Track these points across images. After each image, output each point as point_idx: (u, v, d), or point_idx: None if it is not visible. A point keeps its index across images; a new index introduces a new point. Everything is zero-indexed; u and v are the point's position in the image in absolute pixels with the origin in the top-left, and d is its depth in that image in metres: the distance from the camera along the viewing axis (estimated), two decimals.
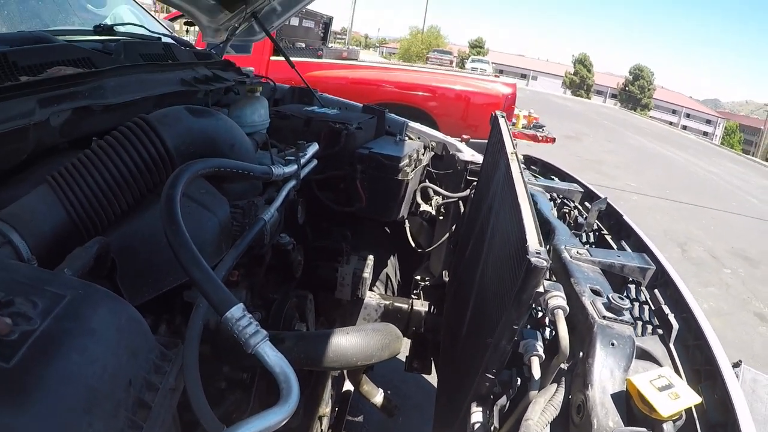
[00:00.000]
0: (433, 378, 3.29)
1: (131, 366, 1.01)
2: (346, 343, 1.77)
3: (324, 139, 2.84)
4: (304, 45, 10.36)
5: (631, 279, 1.60)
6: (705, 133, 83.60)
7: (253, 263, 2.00)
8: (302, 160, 2.32)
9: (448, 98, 8.17)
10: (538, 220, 1.48)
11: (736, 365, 4.56)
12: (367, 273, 2.78)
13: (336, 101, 3.87)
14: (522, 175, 1.62)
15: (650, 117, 67.74)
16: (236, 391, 1.66)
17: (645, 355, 1.28)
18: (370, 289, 3.00)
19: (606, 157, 17.90)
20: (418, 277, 3.40)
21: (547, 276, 1.69)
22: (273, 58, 7.94)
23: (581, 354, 1.21)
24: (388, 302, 2.95)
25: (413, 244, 3.40)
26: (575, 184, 2.51)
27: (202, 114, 1.85)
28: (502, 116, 2.78)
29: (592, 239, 2.13)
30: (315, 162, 2.55)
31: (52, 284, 0.99)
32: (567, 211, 2.27)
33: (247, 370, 1.66)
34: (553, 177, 2.83)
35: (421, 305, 2.96)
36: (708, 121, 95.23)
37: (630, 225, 2.06)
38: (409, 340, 3.10)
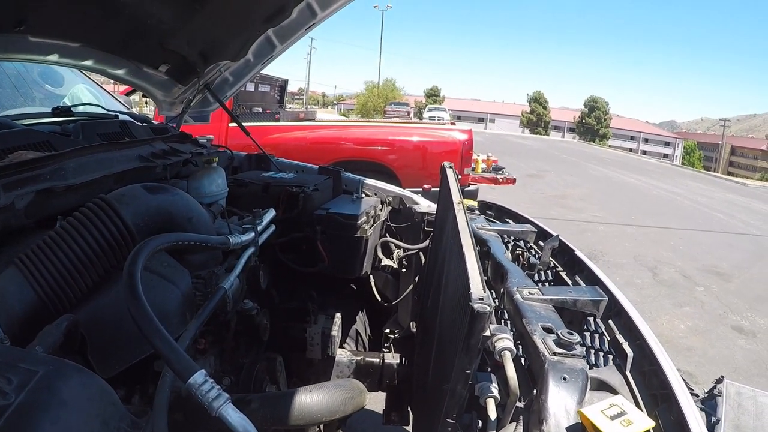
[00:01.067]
0: (411, 428, 3.30)
1: None
2: (310, 400, 1.79)
3: (282, 204, 2.88)
4: (261, 109, 10.44)
5: (587, 312, 1.63)
6: (665, 155, 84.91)
7: (219, 330, 2.02)
8: (259, 227, 2.35)
9: (406, 150, 8.26)
10: (491, 264, 1.52)
11: (718, 381, 4.61)
12: (336, 331, 2.78)
13: (292, 165, 3.92)
14: (468, 224, 1.67)
15: (609, 146, 68.84)
16: None
17: (602, 386, 1.31)
18: (341, 346, 3.00)
19: (569, 191, 18.13)
20: (388, 330, 3.41)
21: (504, 317, 1.74)
22: (232, 124, 7.98)
23: (535, 391, 1.23)
24: (359, 358, 2.95)
25: (379, 298, 3.42)
26: (528, 225, 2.56)
27: (159, 191, 1.89)
28: (450, 167, 2.84)
29: (549, 277, 2.17)
30: (273, 227, 2.58)
31: (25, 361, 1.04)
32: (520, 252, 2.31)
33: None
34: (507, 220, 2.88)
35: (392, 358, 2.96)
36: (666, 143, 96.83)
37: (582, 259, 2.11)
38: (384, 393, 3.10)
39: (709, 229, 14.60)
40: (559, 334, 1.30)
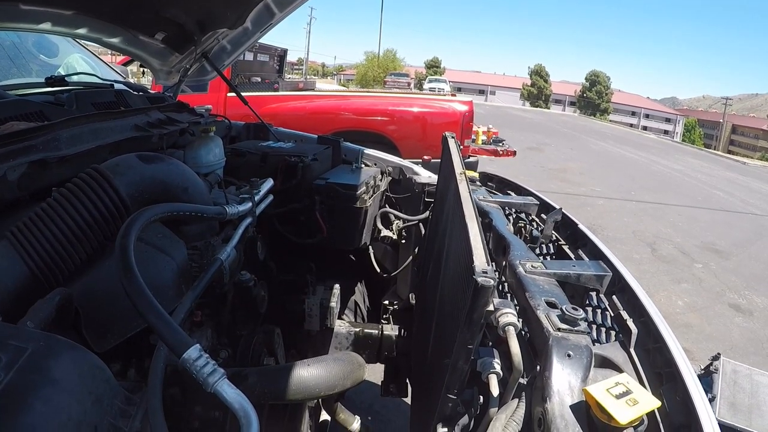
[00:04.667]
0: (410, 399, 3.30)
1: (96, 412, 1.04)
2: (308, 374, 1.77)
3: (281, 174, 2.84)
4: (259, 79, 10.36)
5: (590, 287, 1.60)
6: (666, 132, 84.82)
7: (216, 302, 1.98)
8: (257, 197, 2.31)
9: (406, 120, 8.20)
10: (493, 236, 1.48)
11: (715, 359, 4.61)
12: (334, 302, 2.76)
13: (291, 134, 3.88)
14: (471, 195, 1.63)
15: (610, 121, 68.62)
16: (210, 429, 1.65)
17: (606, 363, 1.29)
18: (339, 318, 2.99)
19: (569, 165, 18.09)
20: (387, 302, 3.40)
21: (505, 290, 1.70)
22: (230, 94, 7.92)
23: (539, 367, 1.21)
24: (357, 329, 2.94)
25: (378, 270, 3.40)
26: (531, 198, 2.53)
27: (154, 160, 1.84)
28: (452, 137, 2.80)
29: (551, 251, 2.14)
30: (271, 197, 2.54)
31: (15, 338, 1.02)
32: (522, 225, 2.27)
33: (219, 408, 1.65)
34: (509, 192, 2.85)
35: (391, 329, 2.95)
36: (667, 120, 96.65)
37: (585, 233, 2.08)
38: (383, 365, 3.09)
39: (709, 207, 14.60)
40: (564, 310, 1.27)
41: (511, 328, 1.18)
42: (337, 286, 2.87)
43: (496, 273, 1.75)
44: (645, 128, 78.78)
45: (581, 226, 2.15)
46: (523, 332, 1.36)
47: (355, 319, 3.28)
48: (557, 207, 2.28)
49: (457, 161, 2.15)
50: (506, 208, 2.45)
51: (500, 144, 9.89)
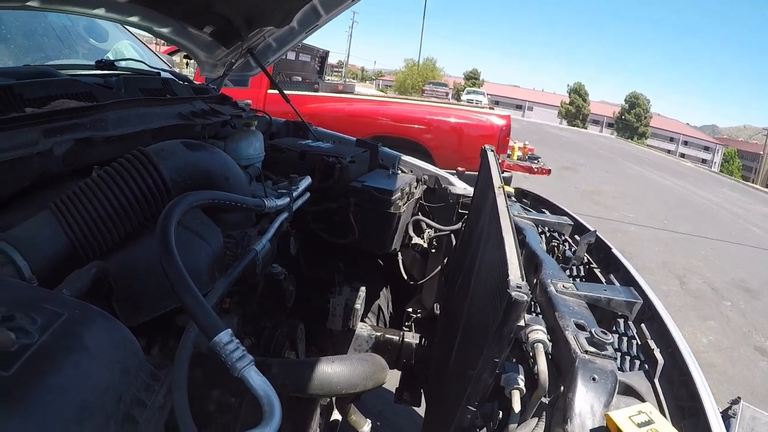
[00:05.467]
0: (423, 410, 3.29)
1: (122, 382, 1.05)
2: (332, 371, 1.79)
3: (318, 173, 2.87)
4: (300, 78, 10.44)
5: (619, 313, 1.60)
6: (703, 161, 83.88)
7: (245, 292, 2.02)
8: (295, 194, 2.34)
9: (443, 130, 8.21)
10: (526, 253, 1.49)
11: (735, 402, 4.55)
12: (359, 304, 2.79)
13: (330, 135, 3.92)
14: (508, 209, 1.64)
15: (647, 145, 67.99)
16: (225, 415, 1.68)
17: (628, 391, 1.28)
18: (362, 320, 3.01)
19: (603, 188, 17.95)
20: (410, 310, 3.42)
21: (534, 309, 1.71)
22: (270, 91, 8.01)
23: (562, 388, 1.21)
24: (379, 333, 2.96)
25: (405, 277, 3.41)
26: (565, 217, 2.53)
27: (198, 148, 1.89)
28: (491, 150, 2.81)
29: (581, 273, 2.14)
30: (308, 195, 2.57)
31: (51, 303, 1.05)
32: (556, 244, 2.28)
33: (236, 394, 1.67)
34: (543, 210, 2.85)
35: (412, 337, 2.96)
36: (706, 148, 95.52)
37: (619, 258, 2.08)
38: (400, 372, 3.11)
39: (743, 243, 14.33)
40: (593, 333, 1.27)
41: (540, 346, 1.19)
42: (363, 288, 2.90)
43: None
44: (683, 155, 78.10)
45: (615, 251, 2.15)
46: (547, 351, 1.37)
47: (377, 324, 3.29)
48: (591, 229, 2.28)
49: (495, 174, 2.16)
50: (540, 225, 2.45)
51: (536, 161, 9.85)
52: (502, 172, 7.19)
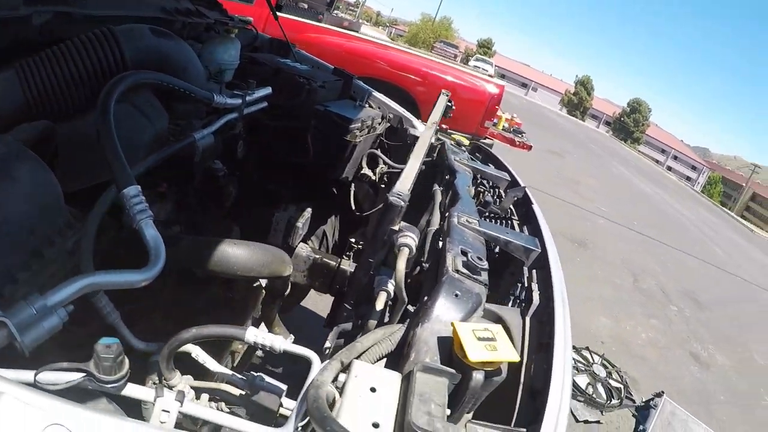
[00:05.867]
0: None
1: (37, 218, 1.16)
2: (231, 252, 1.82)
3: (286, 91, 2.91)
4: (306, 6, 10.32)
5: (517, 256, 1.68)
6: (688, 178, 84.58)
7: (183, 180, 2.07)
8: (248, 98, 2.39)
9: (436, 86, 8.11)
10: (451, 192, 1.55)
11: (658, 395, 4.74)
12: (301, 223, 2.82)
13: (310, 59, 3.93)
14: (430, 140, 1.71)
15: (639, 151, 68.13)
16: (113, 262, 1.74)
17: (498, 320, 1.35)
18: (304, 241, 3.06)
19: (584, 179, 18.04)
20: (353, 240, 3.48)
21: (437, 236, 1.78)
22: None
23: (426, 298, 1.28)
24: (317, 256, 3.00)
25: (354, 208, 3.47)
26: (505, 173, 2.60)
27: (164, 35, 1.95)
28: (446, 94, 2.87)
29: (500, 222, 2.22)
30: (265, 104, 2.62)
31: None
32: (482, 191, 2.35)
33: (124, 246, 1.73)
34: (489, 164, 2.93)
35: (348, 265, 3.01)
36: (693, 167, 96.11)
37: (536, 213, 2.16)
38: (333, 297, 3.17)
39: (703, 259, 14.64)
40: (469, 257, 1.34)
41: (405, 249, 1.26)
42: (309, 209, 2.95)
43: (441, 223, 1.84)
44: (670, 168, 78.54)
45: (535, 207, 2.23)
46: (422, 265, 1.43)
47: (318, 248, 3.35)
48: (523, 185, 2.36)
49: (435, 113, 2.20)
50: (479, 175, 2.52)
51: (519, 135, 9.89)
52: (484, 138, 7.29)
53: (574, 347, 5.78)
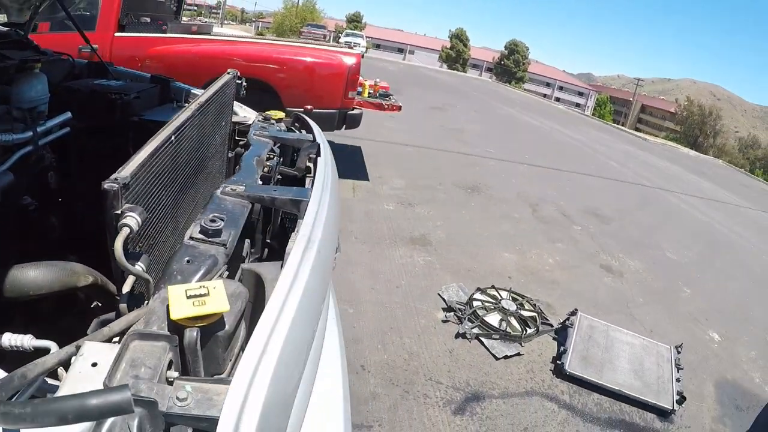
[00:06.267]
0: None
1: None
2: (18, 274, 1.79)
3: (102, 109, 2.88)
4: (149, 19, 10.05)
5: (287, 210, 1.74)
6: (578, 105, 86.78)
7: None
8: (41, 129, 2.37)
9: (293, 69, 8.08)
10: (235, 162, 1.54)
11: (572, 314, 4.85)
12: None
13: (129, 74, 3.90)
14: (177, 121, 1.72)
15: (525, 90, 69.48)
16: None
17: (256, 277, 1.39)
18: None
19: (469, 126, 18.21)
20: None
21: None
22: (118, 34, 7.74)
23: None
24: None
25: None
26: (309, 135, 2.68)
27: None
28: (231, 73, 2.89)
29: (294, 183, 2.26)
30: (67, 129, 2.59)
31: None
32: (271, 156, 2.37)
33: None
34: (302, 130, 2.96)
35: None
36: (581, 94, 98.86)
37: (318, 163, 2.20)
38: None
39: (600, 176, 14.99)
40: (203, 223, 1.34)
41: (125, 229, 1.25)
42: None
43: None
44: (558, 100, 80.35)
45: (321, 158, 2.27)
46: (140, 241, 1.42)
47: None
48: (317, 142, 2.41)
49: (204, 94, 2.20)
50: (280, 142, 2.55)
51: (387, 98, 9.94)
52: (352, 109, 7.31)
53: (479, 289, 5.89)
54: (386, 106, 9.55)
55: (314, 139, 2.57)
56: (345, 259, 6.14)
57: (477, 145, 15.06)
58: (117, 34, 7.69)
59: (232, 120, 3.41)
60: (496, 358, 4.90)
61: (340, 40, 51.67)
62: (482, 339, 5.13)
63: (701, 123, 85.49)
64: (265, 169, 2.14)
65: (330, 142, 8.43)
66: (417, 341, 4.93)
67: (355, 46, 35.58)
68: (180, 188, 1.72)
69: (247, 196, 1.62)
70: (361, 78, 9.10)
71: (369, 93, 9.75)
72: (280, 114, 3.19)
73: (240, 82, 3.01)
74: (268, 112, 3.21)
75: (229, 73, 2.81)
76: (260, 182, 1.86)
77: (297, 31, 59.76)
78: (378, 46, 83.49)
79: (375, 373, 4.36)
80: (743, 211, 16.08)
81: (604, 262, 8.15)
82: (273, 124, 3.01)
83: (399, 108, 9.78)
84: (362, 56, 8.70)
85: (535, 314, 5.70)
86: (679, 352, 5.54)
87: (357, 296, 5.46)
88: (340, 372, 1.95)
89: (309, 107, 7.01)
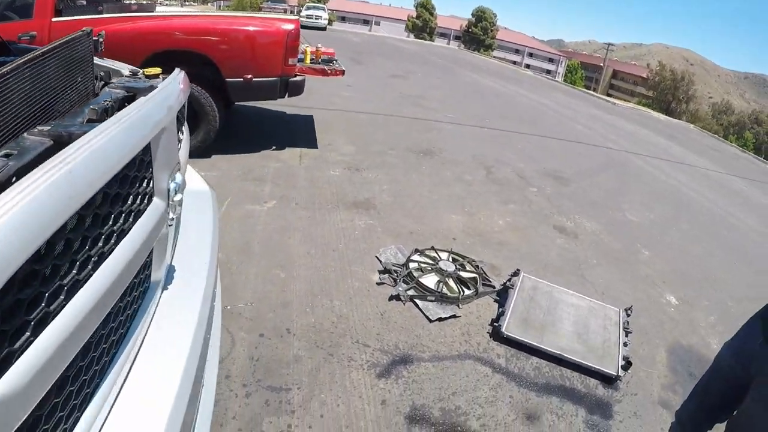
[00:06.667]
0: None
1: None
2: None
3: None
4: (84, 2, 9.78)
5: None
6: (548, 71, 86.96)
7: None
8: None
9: (229, 40, 7.90)
10: None
11: (514, 274, 4.66)
12: None
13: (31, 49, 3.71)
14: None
15: (494, 57, 69.35)
16: None
17: None
18: None
19: (430, 93, 17.89)
20: None
21: None
22: (55, 19, 7.53)
23: None
24: None
25: None
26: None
27: None
28: (86, 31, 2.75)
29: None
30: None
31: None
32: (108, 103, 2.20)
33: None
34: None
35: None
36: (551, 60, 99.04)
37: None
38: None
39: (564, 138, 14.81)
40: None
41: None
42: None
43: None
44: (528, 67, 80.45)
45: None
46: None
47: None
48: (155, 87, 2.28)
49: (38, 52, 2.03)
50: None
51: (330, 64, 9.72)
52: (294, 76, 7.17)
53: (417, 250, 5.71)
54: (329, 72, 9.35)
55: (153, 86, 2.38)
56: (283, 225, 5.99)
57: (437, 110, 14.77)
58: (54, 20, 7.51)
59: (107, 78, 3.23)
60: (430, 321, 4.72)
61: (301, 14, 51.29)
62: (417, 301, 4.95)
63: (674, 88, 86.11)
64: (94, 115, 1.95)
65: (281, 113, 8.31)
66: (348, 304, 4.76)
67: (318, 18, 35.39)
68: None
69: (48, 133, 1.50)
70: (302, 45, 8.95)
71: (311, 59, 9.55)
72: (156, 70, 2.99)
73: (97, 39, 2.80)
74: (144, 69, 3.01)
75: (82, 31, 2.61)
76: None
77: (257, 7, 59.31)
78: (343, 19, 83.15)
79: (300, 336, 4.21)
80: (712, 175, 16.00)
81: (558, 224, 7.98)
82: (140, 78, 2.82)
83: (342, 72, 9.59)
84: (325, 29, 8.57)
85: (476, 276, 5.52)
86: (628, 315, 5.39)
87: (291, 261, 5.28)
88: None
89: (249, 76, 6.91)
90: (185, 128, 2.91)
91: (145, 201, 1.81)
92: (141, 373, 1.73)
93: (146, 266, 1.91)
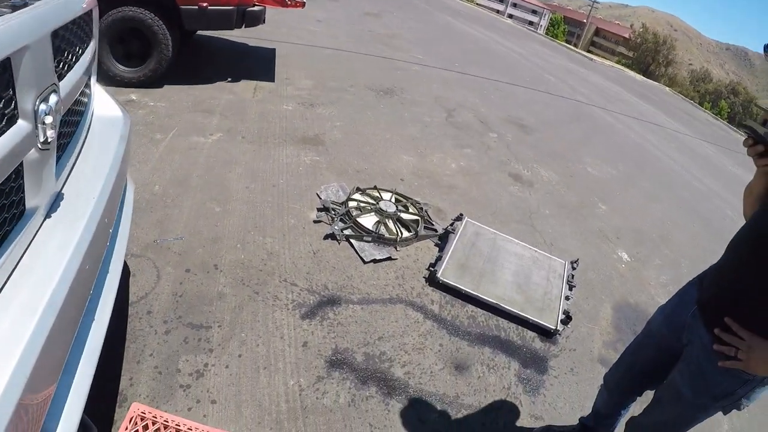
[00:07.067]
0: None
1: None
2: None
3: None
4: None
5: None
6: (530, 23, 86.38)
7: None
8: None
9: None
10: None
11: (457, 219, 4.36)
12: None
13: None
14: None
15: (476, 4, 68.44)
16: None
17: None
18: None
19: (401, 33, 17.33)
20: None
21: None
22: None
23: None
24: None
25: None
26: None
27: None
28: None
29: None
30: None
31: None
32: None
33: None
34: None
35: None
36: (534, 12, 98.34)
37: None
38: None
39: (533, 88, 14.54)
40: None
41: None
42: None
43: None
44: (511, 17, 79.75)
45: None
46: None
47: None
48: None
49: None
50: None
51: None
52: (253, 6, 6.73)
53: (359, 189, 5.46)
54: (289, 3, 8.90)
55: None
56: (226, 158, 5.66)
57: (406, 51, 14.31)
58: None
59: None
60: (364, 262, 4.50)
61: None
62: (352, 241, 4.71)
63: (654, 51, 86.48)
64: None
65: (243, 45, 7.82)
66: (281, 241, 4.50)
67: None
68: None
69: None
70: None
71: None
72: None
73: None
74: None
75: None
76: None
77: None
78: None
79: (227, 273, 3.97)
80: (681, 137, 15.91)
81: (514, 171, 7.77)
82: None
83: (303, 5, 9.11)
84: None
85: (419, 218, 5.29)
86: (574, 268, 5.21)
87: (228, 195, 4.99)
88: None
89: (204, 4, 6.49)
90: (92, 46, 2.64)
91: (3, 122, 1.57)
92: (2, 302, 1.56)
93: (15, 190, 1.69)
